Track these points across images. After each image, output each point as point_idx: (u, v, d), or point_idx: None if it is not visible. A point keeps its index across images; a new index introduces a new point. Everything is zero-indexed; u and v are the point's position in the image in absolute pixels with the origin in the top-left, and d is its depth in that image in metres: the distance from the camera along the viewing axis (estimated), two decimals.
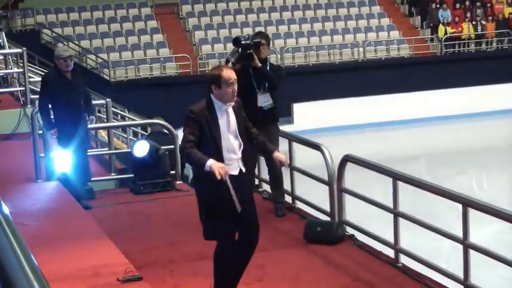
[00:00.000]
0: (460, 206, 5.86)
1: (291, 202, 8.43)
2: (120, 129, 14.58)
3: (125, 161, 10.65)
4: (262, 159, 8.34)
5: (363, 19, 29.44)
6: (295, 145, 8.34)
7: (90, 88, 9.22)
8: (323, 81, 25.73)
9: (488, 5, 30.31)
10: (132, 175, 9.57)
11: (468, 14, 29.45)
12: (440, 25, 28.79)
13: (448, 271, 6.07)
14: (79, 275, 5.76)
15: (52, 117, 8.58)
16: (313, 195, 8.28)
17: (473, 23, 29.18)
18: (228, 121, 5.35)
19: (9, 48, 14.66)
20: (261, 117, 7.60)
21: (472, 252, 5.77)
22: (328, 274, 6.44)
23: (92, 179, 9.17)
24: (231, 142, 5.34)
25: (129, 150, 10.07)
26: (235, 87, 5.35)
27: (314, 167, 8.06)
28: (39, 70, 18.10)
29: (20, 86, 12.87)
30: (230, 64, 7.76)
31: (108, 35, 26.85)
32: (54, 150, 8.99)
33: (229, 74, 5.35)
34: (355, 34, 28.49)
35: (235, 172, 5.33)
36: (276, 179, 8.18)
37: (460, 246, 5.86)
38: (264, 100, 7.95)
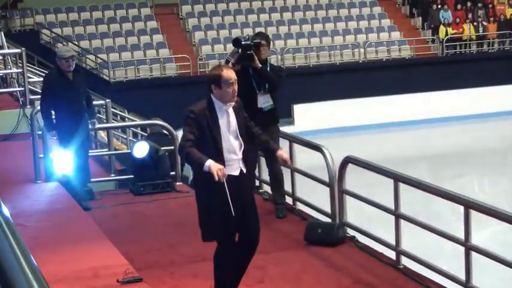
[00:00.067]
0: (461, 208, 5.83)
1: (291, 203, 8.40)
2: (119, 130, 14.57)
3: (124, 162, 10.64)
4: (262, 160, 8.31)
5: (364, 20, 29.42)
6: (296, 146, 8.31)
7: (90, 89, 9.18)
8: (324, 82, 25.70)
9: (490, 5, 30.31)
10: (132, 176, 9.56)
11: (469, 15, 29.43)
12: (441, 26, 28.76)
13: (450, 273, 6.05)
14: (79, 276, 5.75)
15: (53, 117, 8.56)
16: (314, 197, 8.25)
17: (475, 24, 29.15)
18: (228, 121, 5.32)
19: (8, 48, 14.64)
20: (261, 118, 7.55)
21: (473, 254, 5.75)
22: (329, 276, 6.42)
23: (92, 180, 9.13)
24: (232, 143, 5.31)
25: (129, 151, 10.05)
26: (236, 87, 5.33)
27: (315, 168, 8.04)
28: (38, 70, 18.10)
29: (19, 87, 12.83)
30: (230, 65, 7.73)
31: (108, 35, 26.82)
32: (53, 151, 8.97)
33: (230, 74, 5.32)
34: (356, 35, 28.47)
35: (236, 173, 5.30)
36: (276, 180, 8.15)
37: (462, 248, 5.84)
38: (264, 101, 7.92)
